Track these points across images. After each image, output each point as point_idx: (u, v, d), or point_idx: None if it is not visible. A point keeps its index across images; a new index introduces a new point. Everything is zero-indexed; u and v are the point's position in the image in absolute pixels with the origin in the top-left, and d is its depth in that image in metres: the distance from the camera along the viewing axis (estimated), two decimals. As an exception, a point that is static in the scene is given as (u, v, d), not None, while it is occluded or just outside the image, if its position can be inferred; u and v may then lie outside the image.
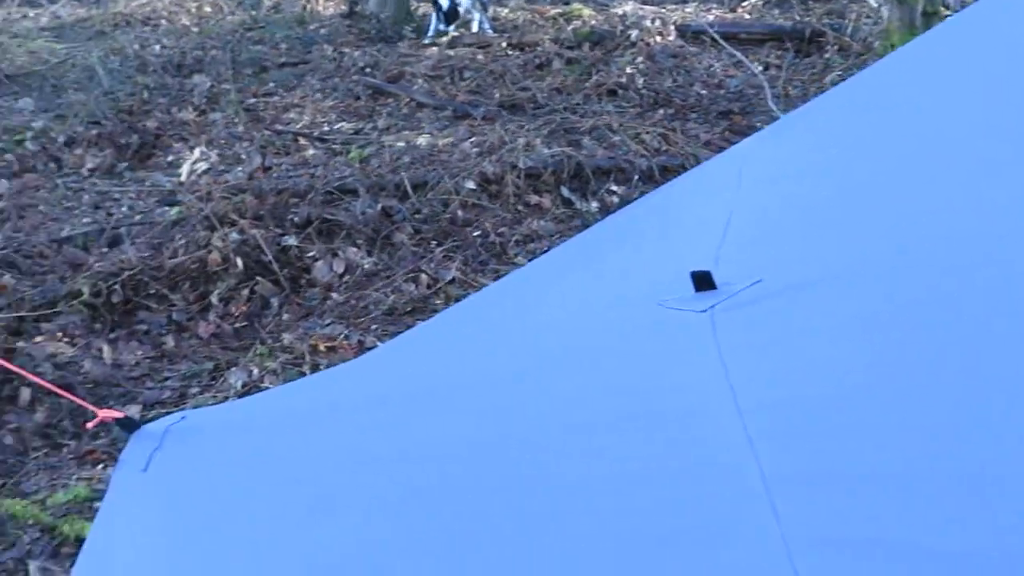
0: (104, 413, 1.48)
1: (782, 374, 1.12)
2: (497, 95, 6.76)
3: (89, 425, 1.47)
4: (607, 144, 5.67)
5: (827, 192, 1.52)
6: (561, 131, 5.89)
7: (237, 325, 4.21)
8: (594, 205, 5.07)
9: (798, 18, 8.35)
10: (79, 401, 1.48)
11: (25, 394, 3.61)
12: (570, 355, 1.32)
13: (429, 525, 1.15)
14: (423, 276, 4.35)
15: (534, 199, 5.09)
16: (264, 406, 1.64)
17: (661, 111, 6.30)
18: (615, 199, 5.12)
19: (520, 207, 5.04)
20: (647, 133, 5.75)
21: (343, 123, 6.55)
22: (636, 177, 5.24)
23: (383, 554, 1.15)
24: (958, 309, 1.08)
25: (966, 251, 1.17)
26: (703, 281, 1.24)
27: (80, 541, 2.88)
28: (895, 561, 0.82)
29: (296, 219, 4.71)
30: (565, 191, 5.16)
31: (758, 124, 5.89)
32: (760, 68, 7.18)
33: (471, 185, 5.07)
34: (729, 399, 1.06)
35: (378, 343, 3.80)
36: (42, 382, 1.50)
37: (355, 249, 4.57)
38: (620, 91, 6.73)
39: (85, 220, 5.12)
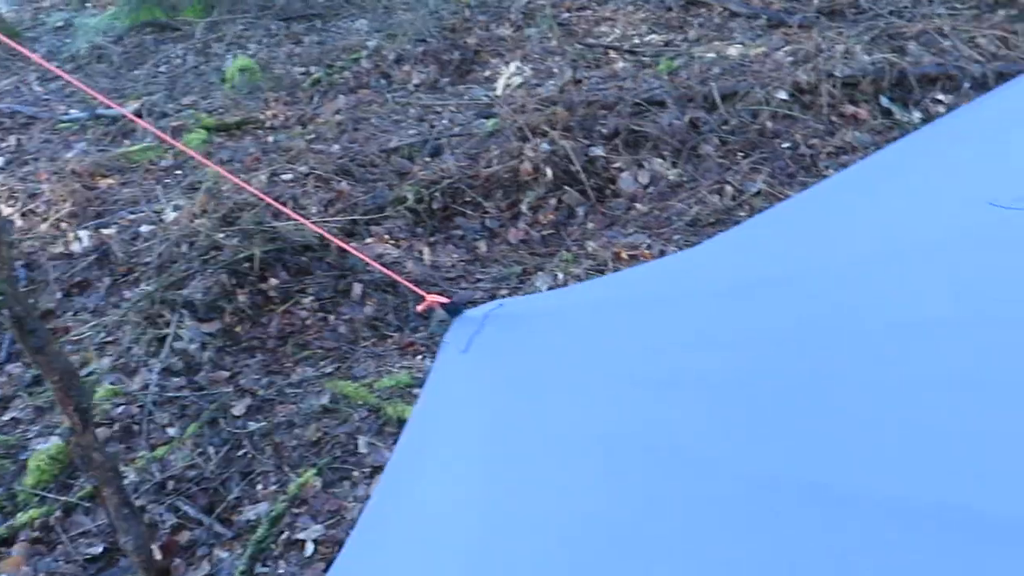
0: (432, 298, 1.60)
1: None
2: (816, 1, 6.40)
3: (419, 308, 1.59)
4: (936, 50, 5.22)
5: None
6: (884, 37, 5.49)
7: (544, 232, 4.38)
8: (916, 115, 4.72)
9: None
10: (412, 287, 1.62)
11: (357, 289, 3.97)
12: (896, 253, 1.27)
13: (739, 410, 1.16)
14: (728, 188, 4.28)
15: (850, 109, 4.82)
16: (574, 297, 1.70)
17: (1002, 12, 5.69)
18: (941, 109, 4.74)
19: (834, 118, 4.79)
20: (983, 36, 5.23)
21: (653, 35, 6.49)
22: (967, 85, 4.81)
23: (690, 430, 1.17)
24: None
25: None
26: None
27: (401, 422, 3.17)
28: None
29: (604, 130, 4.78)
30: (885, 100, 4.84)
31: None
32: None
33: (783, 95, 4.88)
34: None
35: (681, 253, 3.80)
36: (388, 272, 1.64)
37: (660, 160, 4.57)
38: (956, -9, 6.15)
39: (411, 132, 5.47)
